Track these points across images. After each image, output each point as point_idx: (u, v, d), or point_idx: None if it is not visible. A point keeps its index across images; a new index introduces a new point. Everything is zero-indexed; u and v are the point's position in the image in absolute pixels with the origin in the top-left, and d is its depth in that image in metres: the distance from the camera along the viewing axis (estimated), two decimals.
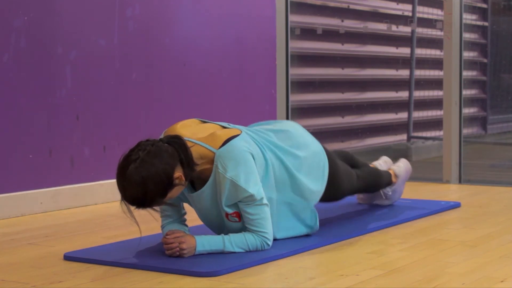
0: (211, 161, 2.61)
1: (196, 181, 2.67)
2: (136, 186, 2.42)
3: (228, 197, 2.61)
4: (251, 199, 2.60)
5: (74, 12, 3.85)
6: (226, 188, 2.58)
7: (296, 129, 2.97)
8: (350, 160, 3.40)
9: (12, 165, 3.60)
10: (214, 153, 2.61)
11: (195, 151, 2.58)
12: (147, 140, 2.52)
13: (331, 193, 3.01)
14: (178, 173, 2.49)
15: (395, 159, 3.75)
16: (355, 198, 3.69)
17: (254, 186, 2.60)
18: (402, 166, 3.59)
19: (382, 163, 3.64)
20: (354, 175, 3.20)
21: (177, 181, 2.49)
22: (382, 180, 3.46)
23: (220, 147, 2.61)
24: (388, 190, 3.55)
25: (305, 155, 2.86)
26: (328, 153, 3.00)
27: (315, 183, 2.88)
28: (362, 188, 3.32)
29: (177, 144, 2.53)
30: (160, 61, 4.25)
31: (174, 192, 2.51)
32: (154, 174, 2.43)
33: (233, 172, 2.57)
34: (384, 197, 3.57)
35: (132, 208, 2.50)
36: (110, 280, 2.37)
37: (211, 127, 2.74)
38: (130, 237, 2.98)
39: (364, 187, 3.34)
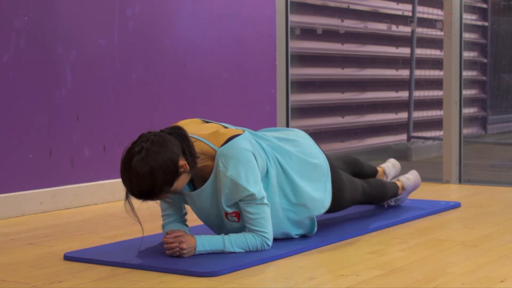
0: (212, 158, 2.61)
1: (196, 179, 2.67)
2: (143, 177, 2.42)
3: (229, 196, 2.61)
4: (251, 198, 2.60)
5: (74, 12, 3.85)
6: (227, 187, 2.58)
7: (304, 139, 2.96)
8: (358, 167, 3.39)
9: (12, 165, 3.60)
10: (215, 150, 2.61)
11: (196, 147, 2.58)
12: (149, 132, 2.53)
13: (334, 205, 2.97)
14: (182, 161, 2.49)
15: (395, 159, 3.75)
16: None
17: (255, 185, 2.60)
18: (411, 179, 3.55)
19: (390, 166, 3.62)
20: (359, 188, 3.18)
21: (182, 170, 2.49)
22: (387, 194, 3.43)
23: (222, 145, 2.61)
24: (392, 201, 3.53)
25: (308, 163, 2.85)
26: (332, 166, 2.96)
27: (317, 192, 2.86)
28: (366, 201, 3.32)
29: (179, 134, 2.54)
30: (160, 61, 4.25)
31: (180, 182, 2.51)
32: (161, 162, 2.43)
33: (234, 170, 2.57)
34: (385, 205, 3.55)
35: (136, 205, 2.49)
36: (110, 280, 2.37)
37: (213, 126, 2.75)
38: (130, 237, 2.99)
39: (369, 201, 3.34)
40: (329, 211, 3.01)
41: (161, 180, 2.44)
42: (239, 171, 2.57)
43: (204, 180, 2.65)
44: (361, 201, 3.26)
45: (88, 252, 2.73)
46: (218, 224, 2.75)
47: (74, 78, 3.84)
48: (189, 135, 2.59)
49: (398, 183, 3.50)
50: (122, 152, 2.50)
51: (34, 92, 3.68)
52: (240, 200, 2.61)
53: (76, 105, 3.85)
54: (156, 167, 2.42)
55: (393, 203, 3.53)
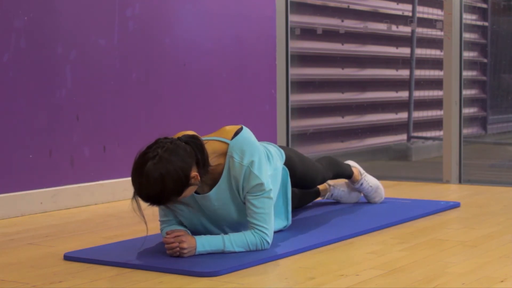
0: (224, 155, 2.63)
1: (204, 181, 2.65)
2: (153, 184, 2.42)
3: (244, 185, 2.62)
4: (260, 189, 2.61)
5: (74, 12, 3.85)
6: (242, 176, 2.60)
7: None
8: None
9: (12, 165, 3.60)
10: (227, 144, 2.63)
11: (208, 147, 2.59)
12: (165, 138, 2.53)
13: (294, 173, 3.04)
14: (194, 172, 2.50)
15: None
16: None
17: (266, 177, 2.64)
18: (350, 163, 3.61)
19: (356, 165, 3.67)
20: (316, 164, 3.27)
21: (193, 180, 2.49)
22: (342, 164, 3.47)
23: (233, 137, 2.65)
24: (361, 180, 3.56)
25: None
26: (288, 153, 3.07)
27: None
28: (327, 166, 3.34)
29: (195, 143, 2.54)
30: (160, 61, 4.25)
31: (188, 191, 2.52)
32: (172, 172, 2.43)
33: (249, 159, 2.61)
34: (368, 190, 3.59)
35: (143, 205, 2.49)
36: (110, 280, 2.37)
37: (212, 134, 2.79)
38: (130, 237, 2.99)
39: (328, 167, 3.35)
40: (301, 183, 3.13)
41: (170, 189, 2.44)
42: (254, 159, 2.62)
43: (212, 180, 2.65)
44: (323, 168, 3.29)
45: (88, 252, 2.73)
46: (235, 220, 2.72)
47: (74, 78, 3.84)
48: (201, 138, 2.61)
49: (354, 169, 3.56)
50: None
51: (34, 92, 3.68)
52: (247, 193, 2.62)
53: (76, 105, 3.85)
54: (167, 176, 2.42)
55: (365, 178, 3.56)
